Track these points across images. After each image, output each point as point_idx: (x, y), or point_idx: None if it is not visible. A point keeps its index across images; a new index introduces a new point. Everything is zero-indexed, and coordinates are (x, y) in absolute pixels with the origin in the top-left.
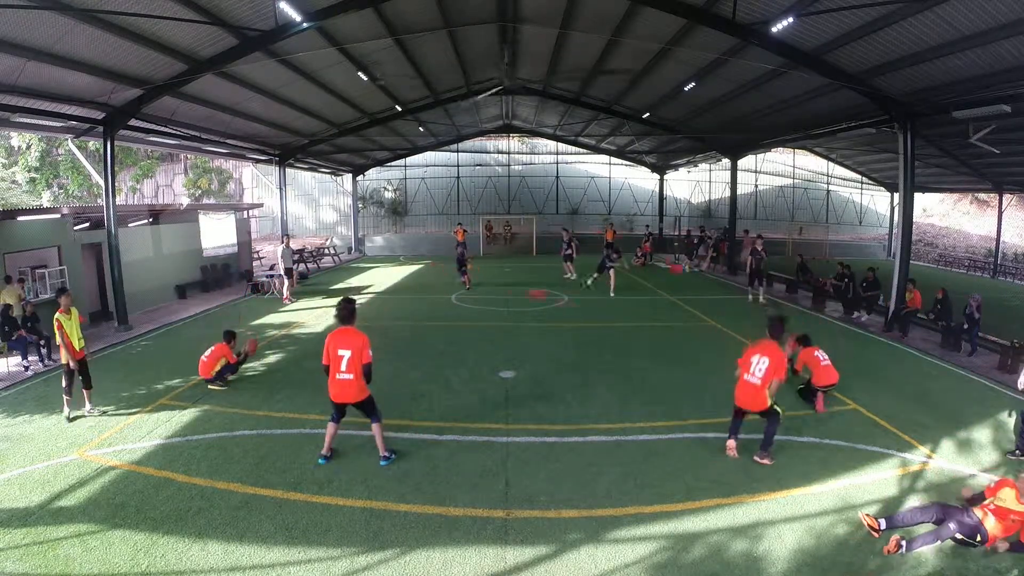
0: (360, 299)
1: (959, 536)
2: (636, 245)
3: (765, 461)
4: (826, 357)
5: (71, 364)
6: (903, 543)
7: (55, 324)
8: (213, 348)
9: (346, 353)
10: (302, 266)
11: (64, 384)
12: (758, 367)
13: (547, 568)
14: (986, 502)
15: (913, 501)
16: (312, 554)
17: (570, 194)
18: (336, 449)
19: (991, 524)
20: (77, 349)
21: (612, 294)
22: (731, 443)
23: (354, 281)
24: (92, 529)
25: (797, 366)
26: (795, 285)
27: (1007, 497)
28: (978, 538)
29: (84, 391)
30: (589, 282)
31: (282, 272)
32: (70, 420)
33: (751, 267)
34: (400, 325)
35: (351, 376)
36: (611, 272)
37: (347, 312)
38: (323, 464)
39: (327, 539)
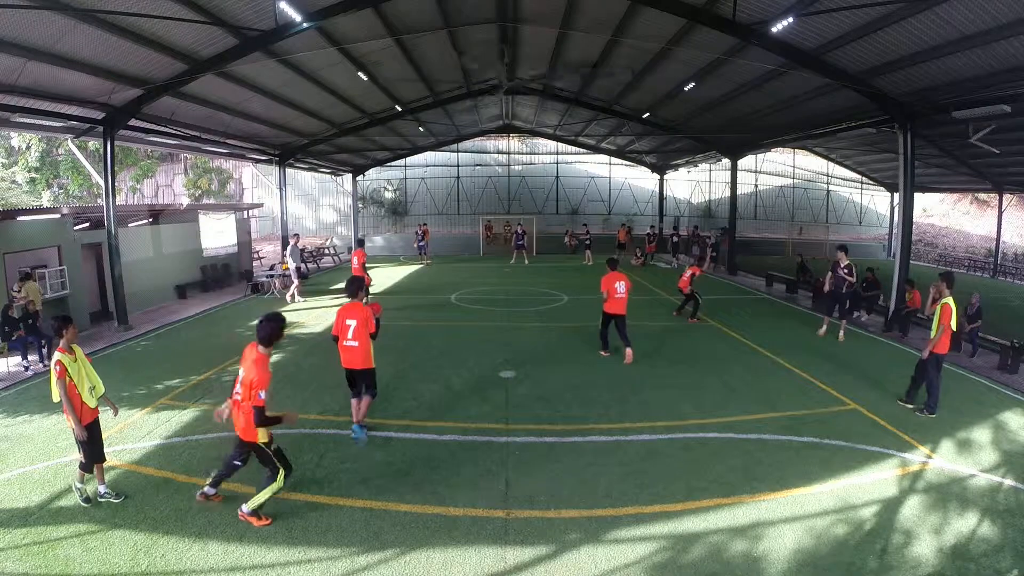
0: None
1: None
2: (636, 245)
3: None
4: (623, 291)
5: (78, 432)
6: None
7: (54, 370)
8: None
9: (352, 323)
10: (302, 266)
11: (82, 456)
12: (620, 288)
13: (547, 568)
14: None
15: (914, 501)
16: (312, 554)
17: (570, 194)
18: (336, 445)
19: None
20: (92, 406)
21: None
22: (605, 354)
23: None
24: (92, 529)
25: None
26: (795, 285)
27: None
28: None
29: (95, 466)
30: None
31: (292, 271)
32: (85, 501)
33: (829, 288)
34: (400, 325)
35: (356, 343)
36: (523, 252)
37: (354, 287)
38: (357, 435)
39: (327, 539)
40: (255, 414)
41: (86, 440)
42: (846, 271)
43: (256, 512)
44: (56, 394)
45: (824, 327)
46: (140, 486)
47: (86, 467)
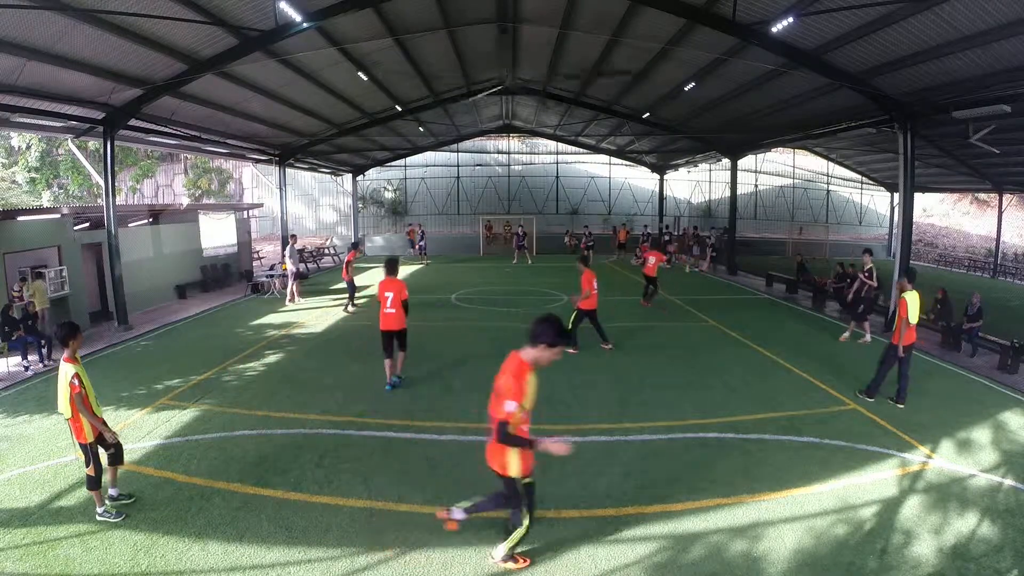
0: (360, 299)
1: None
2: (635, 245)
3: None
4: (593, 290)
5: (110, 437)
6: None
7: (70, 383)
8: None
9: (389, 295)
10: (302, 266)
11: (92, 473)
12: (594, 285)
13: (547, 568)
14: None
15: (914, 501)
16: (312, 554)
17: (570, 194)
18: (336, 446)
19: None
20: (99, 415)
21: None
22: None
23: (355, 281)
24: (92, 529)
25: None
26: (795, 285)
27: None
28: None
29: (111, 468)
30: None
31: (289, 273)
32: (114, 517)
33: (854, 295)
34: None
35: (394, 310)
36: (525, 252)
37: (391, 266)
38: (390, 390)
39: (327, 539)
40: (498, 429)
41: (106, 448)
42: (867, 274)
43: (511, 555)
44: (68, 409)
45: (867, 335)
46: (140, 486)
47: (92, 485)
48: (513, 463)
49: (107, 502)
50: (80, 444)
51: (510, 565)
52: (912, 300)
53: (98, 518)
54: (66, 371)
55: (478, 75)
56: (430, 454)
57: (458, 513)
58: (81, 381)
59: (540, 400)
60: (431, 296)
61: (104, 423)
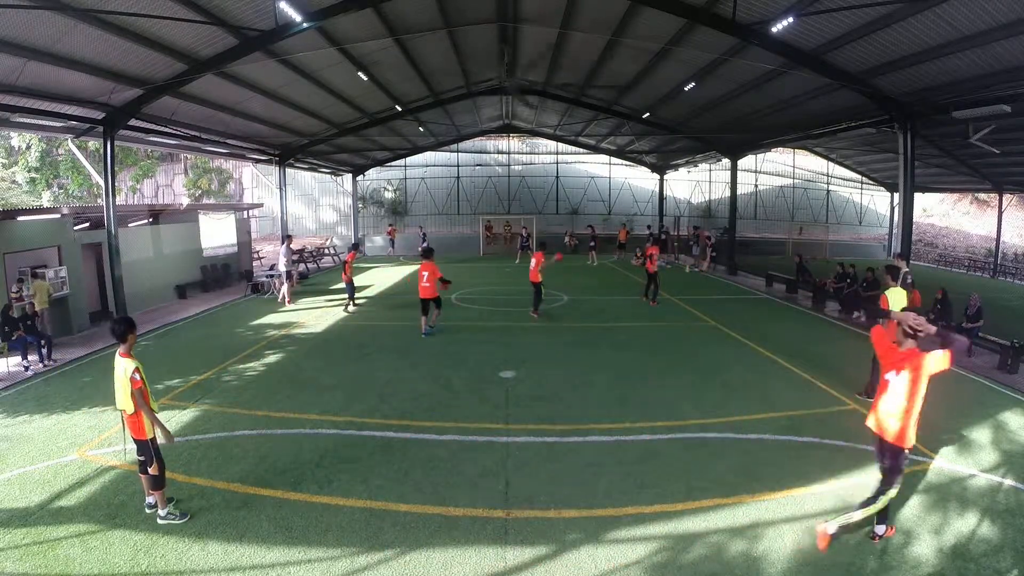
0: (360, 299)
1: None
2: (636, 245)
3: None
4: (534, 265)
5: (166, 439)
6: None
7: (132, 380)
8: (348, 257)
9: (425, 273)
10: (302, 266)
11: (156, 472)
12: (532, 263)
13: (547, 568)
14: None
15: (914, 501)
16: (312, 554)
17: (570, 194)
18: (336, 446)
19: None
20: (155, 409)
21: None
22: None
23: (354, 281)
24: (92, 529)
25: (639, 260)
26: (795, 285)
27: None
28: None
29: (142, 476)
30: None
31: (282, 272)
32: (179, 519)
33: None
34: (399, 325)
35: (428, 284)
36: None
37: (427, 253)
38: (425, 337)
39: (327, 539)
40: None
41: (155, 451)
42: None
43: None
44: (131, 405)
45: None
46: (140, 486)
47: (159, 484)
48: (912, 432)
49: (170, 505)
50: (139, 441)
51: (881, 530)
52: (894, 296)
53: (159, 521)
54: (126, 366)
55: (478, 75)
56: (430, 454)
57: (832, 527)
58: (143, 375)
59: (539, 399)
60: None
61: (164, 428)
